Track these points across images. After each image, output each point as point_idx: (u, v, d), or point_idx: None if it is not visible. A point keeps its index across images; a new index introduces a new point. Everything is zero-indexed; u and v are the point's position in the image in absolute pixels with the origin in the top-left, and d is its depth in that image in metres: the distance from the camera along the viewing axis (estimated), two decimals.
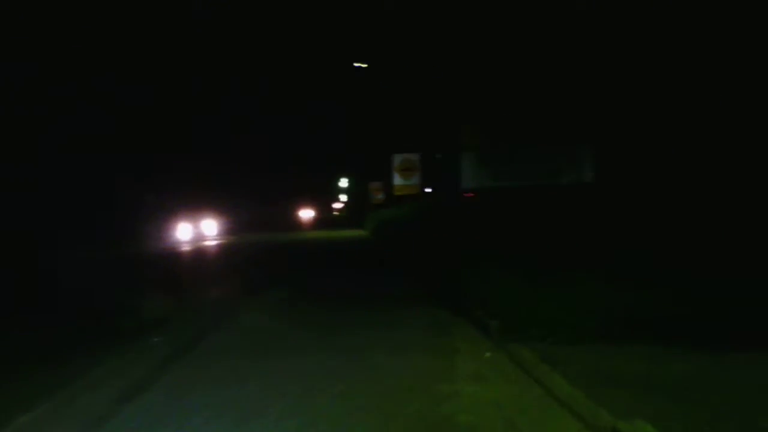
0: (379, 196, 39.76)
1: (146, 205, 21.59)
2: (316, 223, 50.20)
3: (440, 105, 22.74)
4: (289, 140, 57.73)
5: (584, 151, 10.77)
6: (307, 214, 57.54)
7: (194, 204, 25.49)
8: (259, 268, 14.74)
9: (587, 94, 11.06)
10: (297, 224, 49.75)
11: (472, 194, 28.94)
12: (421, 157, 29.73)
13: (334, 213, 76.61)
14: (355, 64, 31.02)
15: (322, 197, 68.63)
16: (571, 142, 10.78)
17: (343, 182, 72.78)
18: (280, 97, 55.20)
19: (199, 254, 20.34)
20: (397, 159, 29.51)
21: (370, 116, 38.96)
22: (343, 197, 73.96)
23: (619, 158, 10.43)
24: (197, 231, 25.81)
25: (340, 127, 50.89)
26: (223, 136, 43.60)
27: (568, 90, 11.33)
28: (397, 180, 29.11)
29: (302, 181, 59.64)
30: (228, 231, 32.26)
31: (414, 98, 30.37)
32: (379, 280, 10.35)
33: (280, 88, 51.55)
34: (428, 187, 29.88)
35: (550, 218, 9.29)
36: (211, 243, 24.80)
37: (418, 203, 26.42)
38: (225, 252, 21.39)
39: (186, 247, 23.10)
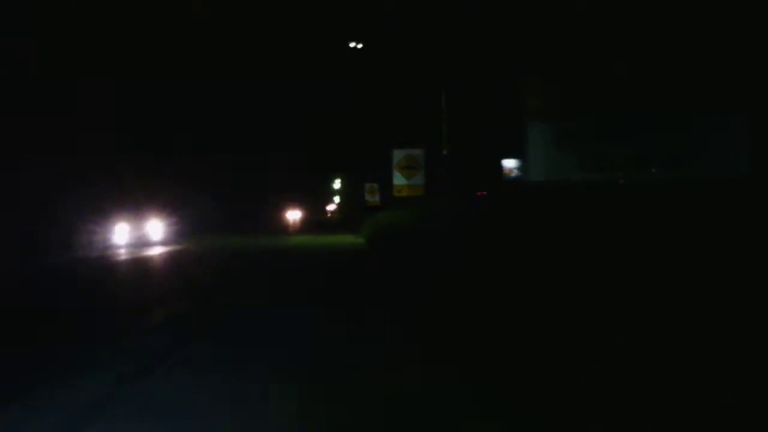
0: (375, 198, 35.61)
1: (62, 203, 16.69)
2: (305, 226, 45.05)
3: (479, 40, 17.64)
4: (275, 133, 52.31)
5: (736, 124, 6.08)
6: (294, 215, 52.51)
7: (141, 200, 20.53)
8: (185, 298, 9.10)
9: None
10: (282, 226, 44.70)
11: (484, 192, 23.44)
12: (425, 153, 25.08)
13: (327, 215, 72.58)
14: (351, 44, 26.42)
15: (314, 198, 63.91)
16: (718, 108, 6.09)
17: (337, 183, 68.91)
18: (268, 82, 49.84)
19: (108, 270, 14.32)
20: (398, 155, 24.71)
21: (368, 105, 34.37)
22: (338, 199, 70.15)
23: None
24: (139, 234, 20.58)
25: (335, 120, 45.93)
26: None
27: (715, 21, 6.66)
28: (398, 179, 24.32)
29: (291, 179, 54.76)
30: (185, 233, 26.22)
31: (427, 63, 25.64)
32: (378, 336, 5.79)
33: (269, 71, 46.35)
34: (434, 187, 25.16)
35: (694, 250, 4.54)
36: (153, 250, 19.10)
37: (421, 207, 21.74)
38: (153, 266, 15.30)
39: (108, 258, 16.87)
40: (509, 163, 23.95)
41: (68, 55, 23.07)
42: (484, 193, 24.80)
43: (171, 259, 16.82)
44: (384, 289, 9.35)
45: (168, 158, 31.66)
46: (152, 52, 32.33)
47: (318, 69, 42.43)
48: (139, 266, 15.23)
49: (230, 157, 44.15)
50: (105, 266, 14.77)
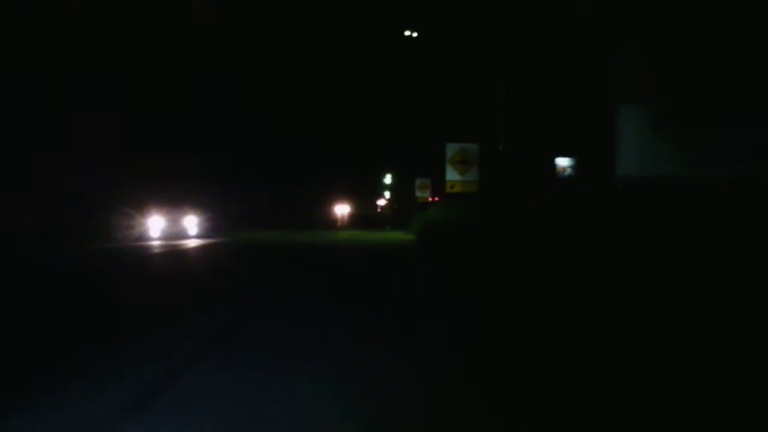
0: (426, 194, 34.72)
1: (90, 194, 16.16)
2: (353, 221, 44.18)
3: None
4: (328, 129, 51.43)
5: None
6: (343, 209, 51.56)
7: (177, 193, 19.89)
8: (203, 305, 7.81)
9: None
10: (329, 221, 43.83)
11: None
12: (480, 148, 23.83)
13: (377, 210, 71.87)
14: (406, 33, 25.32)
15: (364, 192, 63.11)
16: None
17: (388, 178, 68.06)
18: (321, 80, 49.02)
19: (133, 265, 13.21)
20: (451, 149, 23.49)
21: (420, 99, 33.25)
22: (388, 194, 69.31)
23: None
24: (175, 227, 20.09)
25: (386, 114, 44.93)
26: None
27: None
28: (451, 174, 23.11)
29: (341, 173, 54.01)
30: (224, 228, 25.46)
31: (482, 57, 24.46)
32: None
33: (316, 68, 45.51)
34: (488, 184, 23.89)
35: None
36: (187, 244, 18.36)
37: (476, 204, 20.59)
38: (183, 262, 14.13)
39: (140, 251, 15.96)
40: (563, 162, 23.25)
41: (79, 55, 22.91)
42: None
43: (212, 253, 16.14)
44: (439, 297, 8.28)
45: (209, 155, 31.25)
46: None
47: (370, 60, 41.37)
48: (182, 259, 14.75)
49: (274, 152, 43.53)
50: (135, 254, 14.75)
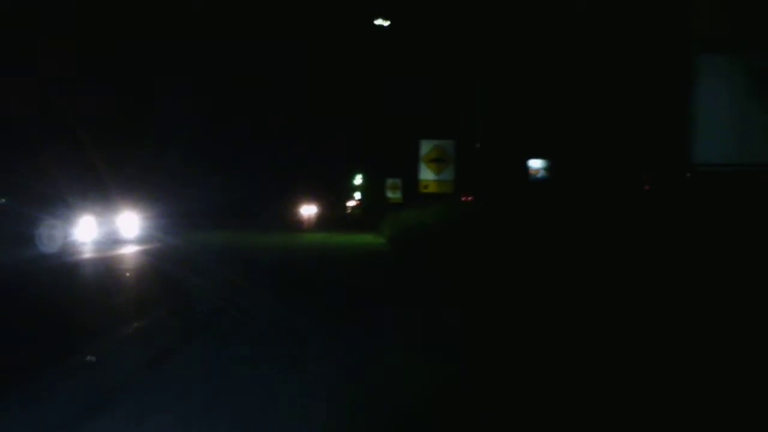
0: (396, 195, 33.26)
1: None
2: (322, 223, 41.79)
3: None
4: (294, 125, 49.18)
5: None
6: (309, 210, 49.19)
7: (114, 189, 17.38)
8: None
9: None
10: (294, 222, 41.10)
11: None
12: (457, 145, 22.07)
13: (347, 212, 70.04)
14: (377, 22, 23.48)
15: (332, 193, 61.13)
16: None
17: (358, 179, 66.33)
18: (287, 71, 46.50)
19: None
20: (426, 146, 21.62)
21: (391, 93, 31.46)
22: (358, 195, 67.64)
23: None
24: (109, 230, 16.55)
25: (356, 111, 43.02)
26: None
27: None
28: (426, 173, 21.28)
29: (308, 173, 51.81)
30: (179, 227, 21.88)
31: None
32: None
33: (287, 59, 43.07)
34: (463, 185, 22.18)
35: None
36: (118, 251, 15.18)
37: (452, 205, 18.86)
38: (102, 275, 11.15)
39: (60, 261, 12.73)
40: (535, 164, 22.77)
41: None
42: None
43: (145, 261, 13.64)
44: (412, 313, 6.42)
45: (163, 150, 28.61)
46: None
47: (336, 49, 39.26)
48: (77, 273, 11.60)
49: (233, 149, 40.94)
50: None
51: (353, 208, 70.80)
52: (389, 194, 33.82)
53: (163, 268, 12.47)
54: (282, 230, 28.97)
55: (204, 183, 33.27)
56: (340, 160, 54.18)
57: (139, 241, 18.00)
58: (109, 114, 24.80)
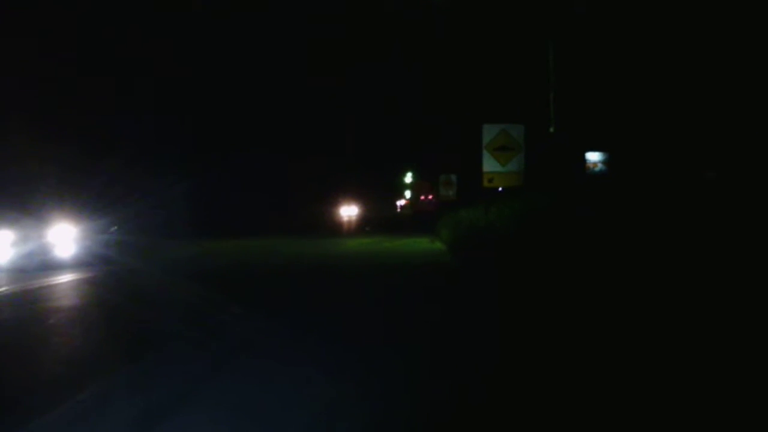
0: (450, 192, 30.19)
1: None
2: (365, 225, 37.41)
3: None
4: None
5: None
6: (350, 211, 45.27)
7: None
8: None
9: None
10: (333, 226, 36.28)
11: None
12: (527, 131, 18.15)
13: (397, 211, 66.58)
14: None
15: (380, 191, 57.55)
16: None
17: (408, 177, 63.28)
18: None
19: None
20: (490, 132, 17.57)
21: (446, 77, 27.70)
22: (408, 193, 64.56)
23: None
24: (39, 248, 11.99)
25: (407, 103, 39.40)
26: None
27: None
28: (489, 164, 17.27)
29: (350, 171, 48.20)
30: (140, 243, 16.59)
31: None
32: None
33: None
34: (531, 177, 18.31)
35: None
36: (52, 276, 11.26)
37: (527, 203, 15.18)
38: None
39: None
40: (593, 156, 19.99)
41: None
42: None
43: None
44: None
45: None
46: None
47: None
48: None
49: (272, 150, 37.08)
50: None
51: (403, 207, 67.66)
52: (442, 191, 30.66)
53: (108, 308, 8.36)
54: (316, 236, 24.87)
55: (223, 189, 29.58)
56: (387, 156, 50.60)
57: (79, 263, 13.17)
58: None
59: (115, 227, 14.95)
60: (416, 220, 35.76)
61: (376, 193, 55.02)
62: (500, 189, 17.53)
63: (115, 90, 25.60)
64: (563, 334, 5.52)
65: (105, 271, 12.33)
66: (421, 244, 19.28)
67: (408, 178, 65.04)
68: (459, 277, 11.35)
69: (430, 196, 37.99)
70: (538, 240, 10.45)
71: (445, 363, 5.07)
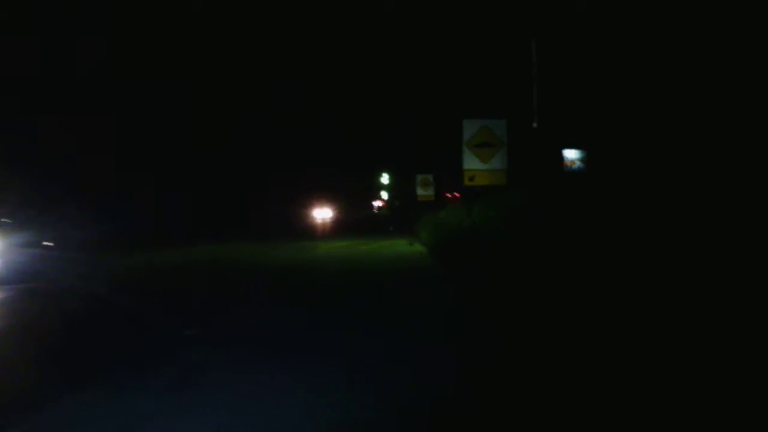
0: (428, 192, 29.10)
1: None
2: (342, 227, 35.33)
3: None
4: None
5: None
6: (323, 213, 43.60)
7: None
8: None
9: None
10: (304, 229, 33.42)
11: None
12: (508, 125, 17.13)
13: (374, 211, 65.41)
14: None
15: (355, 193, 56.36)
16: None
17: (385, 178, 62.27)
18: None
19: None
20: (470, 128, 16.54)
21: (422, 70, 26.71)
22: (385, 194, 63.50)
23: None
24: None
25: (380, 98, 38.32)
26: None
27: None
28: (471, 161, 16.22)
29: (325, 173, 46.81)
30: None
31: None
32: None
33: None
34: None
35: None
36: None
37: (511, 202, 14.14)
38: None
39: None
40: (571, 154, 19.31)
41: None
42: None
43: None
44: None
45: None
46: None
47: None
48: None
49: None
50: None
51: (380, 208, 66.61)
52: (420, 191, 29.35)
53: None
54: (285, 240, 22.82)
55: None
56: (362, 157, 49.44)
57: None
58: None
59: (51, 242, 13.34)
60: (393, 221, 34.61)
61: (350, 194, 53.77)
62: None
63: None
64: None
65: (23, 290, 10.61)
66: (400, 246, 18.16)
67: (384, 179, 64.01)
68: (447, 288, 10.21)
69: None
70: (529, 244, 9.40)
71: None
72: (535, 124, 18.40)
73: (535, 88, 18.43)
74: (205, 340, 6.16)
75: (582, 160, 19.02)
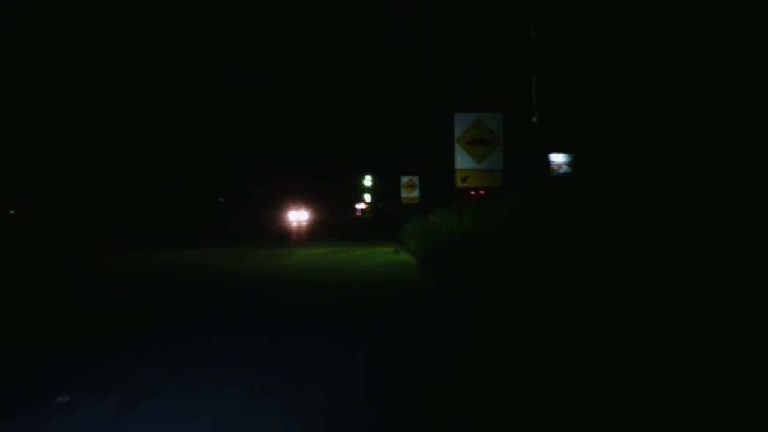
0: (413, 194, 27.52)
1: None
2: (322, 231, 32.59)
3: None
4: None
5: None
6: (299, 216, 41.17)
7: None
8: None
9: None
10: (278, 233, 30.27)
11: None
12: (504, 119, 15.26)
13: (357, 214, 63.68)
14: None
15: (337, 195, 54.46)
16: None
17: (368, 181, 60.68)
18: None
19: None
20: (462, 122, 14.64)
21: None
22: (368, 197, 61.87)
23: None
24: None
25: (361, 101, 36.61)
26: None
27: None
28: (463, 160, 14.34)
29: (302, 175, 44.70)
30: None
31: None
32: None
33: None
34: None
35: None
36: None
37: (504, 206, 12.26)
38: None
39: None
40: (558, 158, 18.69)
41: None
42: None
43: None
44: None
45: None
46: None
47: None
48: None
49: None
50: None
51: (363, 211, 64.98)
52: (405, 193, 27.63)
53: None
54: (254, 246, 20.42)
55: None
56: (343, 157, 47.54)
57: None
58: None
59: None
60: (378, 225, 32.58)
61: (333, 197, 51.69)
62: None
63: None
64: None
65: None
66: (385, 255, 16.18)
67: (367, 181, 62.20)
68: (442, 309, 8.24)
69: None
70: (535, 253, 7.58)
71: None
72: (534, 119, 16.57)
73: (534, 80, 16.60)
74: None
75: (569, 164, 18.19)
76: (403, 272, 12.10)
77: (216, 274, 12.52)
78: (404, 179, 28.07)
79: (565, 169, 18.31)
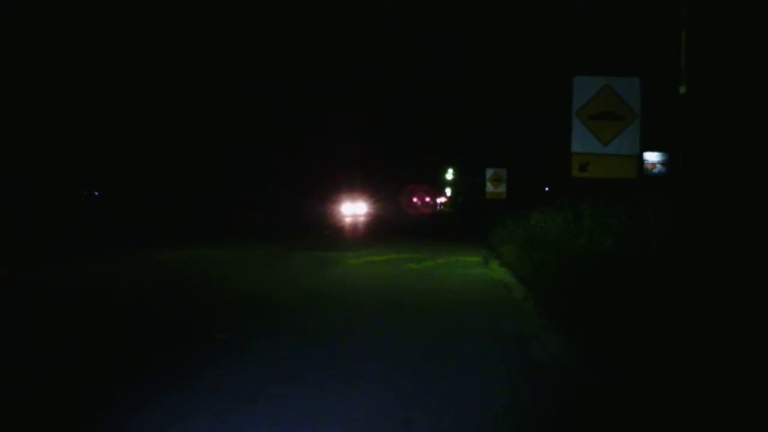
0: (499, 189, 24.23)
1: None
2: (384, 228, 27.58)
3: None
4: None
5: None
6: (356, 209, 36.84)
7: None
8: None
9: None
10: (330, 230, 25.44)
11: None
12: (642, 84, 10.61)
13: (438, 208, 59.66)
14: None
15: (414, 186, 50.44)
16: None
17: (450, 174, 56.72)
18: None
19: None
20: (584, 89, 10.00)
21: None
22: (449, 191, 57.95)
23: None
24: None
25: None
26: None
27: None
28: (581, 142, 9.83)
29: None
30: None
31: None
32: None
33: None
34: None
35: None
36: None
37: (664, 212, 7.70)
38: None
39: None
40: (652, 157, 16.70)
41: None
42: None
43: None
44: None
45: None
46: None
47: None
48: None
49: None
50: None
51: (443, 204, 61.30)
52: (490, 188, 24.28)
53: None
54: (297, 248, 15.80)
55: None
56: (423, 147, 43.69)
57: None
58: None
59: None
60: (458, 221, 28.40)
61: (404, 186, 47.45)
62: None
63: None
64: None
65: None
66: (470, 268, 11.76)
67: (449, 174, 57.83)
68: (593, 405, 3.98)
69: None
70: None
71: None
72: (683, 89, 11.79)
73: (684, 34, 11.81)
74: None
75: (664, 163, 16.47)
76: (503, 304, 7.83)
77: (213, 293, 8.69)
78: (489, 172, 24.64)
79: (659, 169, 16.41)
